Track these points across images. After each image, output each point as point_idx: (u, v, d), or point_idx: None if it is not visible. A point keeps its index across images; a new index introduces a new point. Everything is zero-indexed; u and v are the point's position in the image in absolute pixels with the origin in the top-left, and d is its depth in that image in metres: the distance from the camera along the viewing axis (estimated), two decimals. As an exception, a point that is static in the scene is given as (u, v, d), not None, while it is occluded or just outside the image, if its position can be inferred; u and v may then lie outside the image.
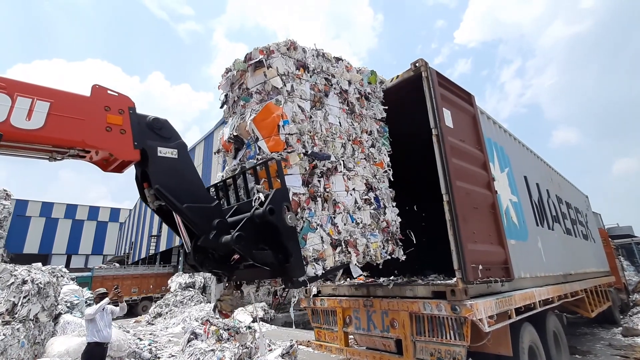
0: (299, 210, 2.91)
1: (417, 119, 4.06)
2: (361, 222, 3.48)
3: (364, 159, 3.74)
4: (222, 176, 3.32)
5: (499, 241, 4.14)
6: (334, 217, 3.21)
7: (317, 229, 3.01)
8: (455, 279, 3.47)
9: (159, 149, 2.49)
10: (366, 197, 3.62)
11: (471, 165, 4.17)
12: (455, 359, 3.31)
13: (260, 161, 2.90)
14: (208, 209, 2.58)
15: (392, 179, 4.07)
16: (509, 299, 3.81)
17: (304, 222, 2.93)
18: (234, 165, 3.27)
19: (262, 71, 3.15)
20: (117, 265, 24.06)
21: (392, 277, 4.65)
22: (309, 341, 5.46)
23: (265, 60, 3.11)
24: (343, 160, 3.45)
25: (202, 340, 7.28)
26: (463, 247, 3.48)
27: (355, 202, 3.49)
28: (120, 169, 2.51)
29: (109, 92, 2.36)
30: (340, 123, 3.54)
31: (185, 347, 7.10)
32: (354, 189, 3.51)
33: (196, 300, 15.88)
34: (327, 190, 3.21)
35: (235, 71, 3.32)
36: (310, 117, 3.24)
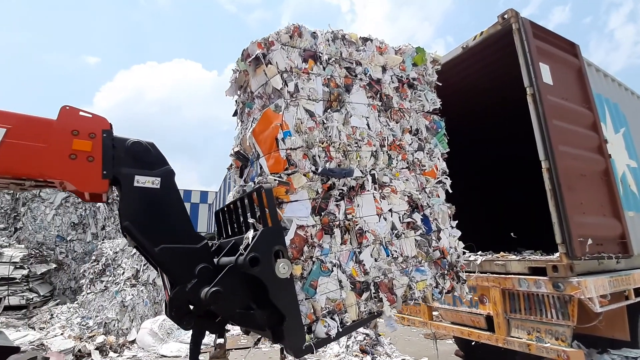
0: (305, 248, 2.23)
1: (507, 82, 3.94)
2: (401, 255, 2.62)
3: (407, 168, 2.85)
4: (232, 199, 2.82)
5: (613, 213, 3.83)
6: (360, 253, 2.44)
7: (332, 270, 2.29)
8: (557, 254, 3.30)
9: (137, 177, 2.06)
10: (409, 219, 2.74)
11: (577, 126, 3.83)
12: (559, 339, 3.20)
13: (255, 186, 2.30)
14: (191, 252, 2.08)
15: (450, 190, 3.08)
16: (626, 277, 3.56)
17: (313, 263, 2.24)
18: (240, 186, 2.73)
19: (262, 69, 2.51)
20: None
21: (479, 253, 4.35)
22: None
23: (264, 56, 2.45)
24: (374, 174, 2.63)
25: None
26: (568, 218, 3.29)
27: (393, 228, 2.64)
28: (99, 198, 2.19)
29: (80, 113, 2.01)
30: (368, 125, 2.70)
31: None
32: (390, 211, 2.66)
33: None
34: (350, 216, 2.45)
35: (239, 72, 2.74)
36: (324, 122, 2.49)
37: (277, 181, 2.21)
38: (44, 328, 8.26)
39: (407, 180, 2.80)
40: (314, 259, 2.24)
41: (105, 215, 16.97)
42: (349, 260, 2.38)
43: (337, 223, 2.39)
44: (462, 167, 7.30)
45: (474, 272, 3.99)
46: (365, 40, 2.84)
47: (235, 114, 3.02)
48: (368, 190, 2.57)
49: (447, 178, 3.08)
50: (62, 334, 7.67)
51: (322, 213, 2.35)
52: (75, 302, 9.94)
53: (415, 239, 2.74)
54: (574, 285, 3.06)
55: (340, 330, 2.19)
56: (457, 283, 2.88)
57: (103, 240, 14.66)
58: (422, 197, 2.87)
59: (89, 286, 9.89)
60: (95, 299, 9.35)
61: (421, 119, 3.03)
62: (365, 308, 2.36)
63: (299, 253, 2.19)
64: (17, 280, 11.63)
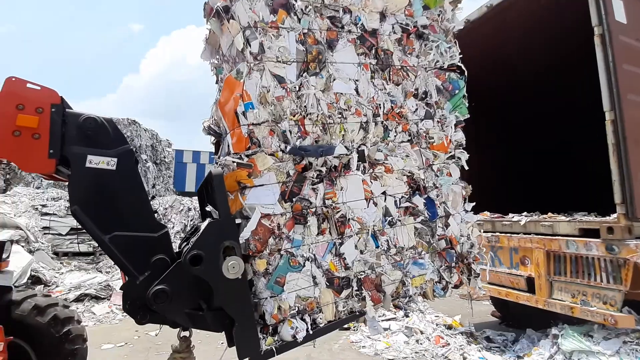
0: (270, 240, 1.93)
1: (568, 23, 3.73)
2: (395, 247, 2.23)
3: (408, 141, 2.35)
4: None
5: (683, 172, 3.46)
6: (340, 244, 2.09)
7: (304, 265, 1.99)
8: (614, 216, 3.15)
9: (89, 157, 1.86)
10: (408, 204, 2.30)
11: (651, 72, 3.39)
12: (607, 303, 3.12)
13: (219, 165, 2.00)
14: (147, 241, 1.89)
15: (465, 166, 2.54)
16: (690, 243, 3.28)
17: (281, 257, 1.95)
18: (214, 166, 2.45)
19: (227, 27, 2.08)
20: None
21: (524, 213, 4.20)
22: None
23: (227, 10, 2.02)
24: (363, 151, 2.18)
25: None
26: (631, 176, 3.11)
27: (386, 214, 2.23)
28: (55, 178, 2.08)
29: (28, 85, 1.82)
30: (357, 90, 2.20)
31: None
32: (384, 194, 2.24)
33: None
34: (330, 202, 2.08)
35: (211, 31, 2.34)
36: (298, 89, 2.05)
37: (235, 163, 1.89)
38: (109, 272, 9.14)
39: (407, 156, 2.32)
40: (282, 252, 1.95)
41: (155, 175, 18.21)
42: (326, 253, 2.06)
43: (313, 210, 2.04)
44: (507, 122, 6.54)
45: (518, 233, 3.88)
46: (358, -21, 2.24)
47: (217, 82, 2.66)
48: (354, 171, 2.15)
49: (462, 152, 2.53)
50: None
51: (294, 199, 2.00)
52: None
53: (415, 227, 2.31)
54: (631, 248, 2.93)
55: (311, 332, 1.94)
56: (468, 277, 2.46)
57: (153, 197, 15.74)
58: (428, 176, 2.39)
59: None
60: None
61: (432, 78, 2.44)
62: (344, 307, 2.06)
63: (263, 246, 1.90)
64: (84, 231, 13.19)
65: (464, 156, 2.53)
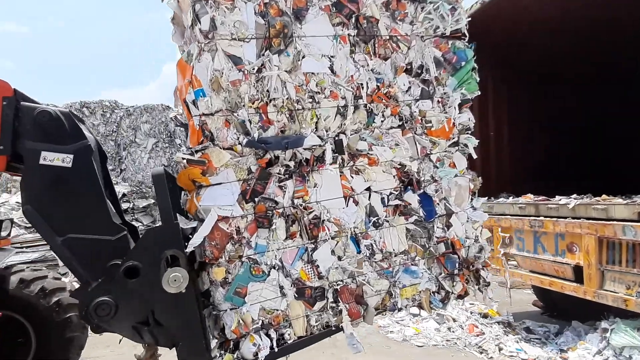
0: (228, 247, 1.70)
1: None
2: (381, 251, 1.92)
3: (399, 126, 1.98)
4: None
5: None
6: (313, 250, 1.82)
7: (268, 274, 1.75)
8: None
9: (43, 154, 1.73)
10: (398, 201, 1.95)
11: None
12: None
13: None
14: (103, 244, 1.75)
15: (474, 154, 2.13)
16: None
17: (242, 264, 1.72)
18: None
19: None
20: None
21: (574, 195, 3.80)
22: None
23: None
24: (340, 140, 1.86)
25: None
26: None
27: (371, 214, 1.91)
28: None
29: None
30: (332, 68, 1.85)
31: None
32: (368, 190, 1.91)
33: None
34: (300, 201, 1.80)
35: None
36: (259, 70, 1.75)
37: (184, 160, 1.66)
38: None
39: (397, 145, 1.95)
40: (243, 260, 1.72)
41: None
42: (296, 259, 1.80)
43: (280, 211, 1.77)
44: (559, 96, 5.75)
45: (566, 218, 3.55)
46: None
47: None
48: (328, 165, 1.84)
49: (469, 137, 2.11)
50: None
51: (257, 199, 1.75)
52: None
53: (407, 228, 1.97)
54: None
55: (276, 350, 1.71)
56: (476, 286, 2.09)
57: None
58: (424, 167, 2.01)
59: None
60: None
61: (430, 49, 2.02)
62: (318, 321, 1.81)
63: (220, 252, 1.68)
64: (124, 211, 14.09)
65: (472, 142, 2.11)
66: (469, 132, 2.12)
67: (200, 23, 1.67)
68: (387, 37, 1.93)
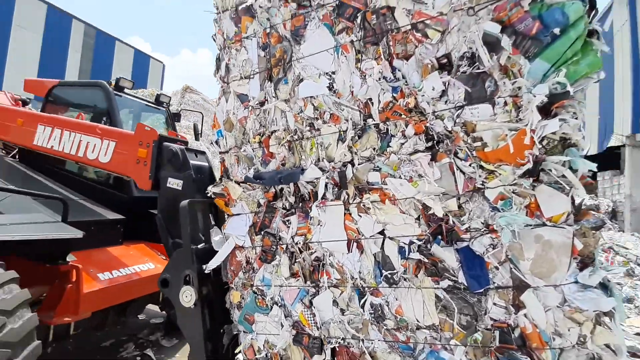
0: (240, 274, 1.81)
1: None
2: (396, 317, 1.44)
3: (428, 148, 1.38)
4: None
5: None
6: (314, 294, 1.62)
7: (270, 308, 1.73)
8: None
9: (169, 179, 2.50)
10: (419, 256, 1.39)
11: None
12: None
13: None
14: (184, 252, 2.30)
15: (582, 193, 1.18)
16: None
17: (252, 291, 1.80)
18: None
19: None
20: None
21: None
22: None
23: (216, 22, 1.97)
24: (346, 171, 1.53)
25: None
26: None
27: (384, 265, 1.47)
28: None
29: (145, 128, 2.69)
30: (332, 86, 1.53)
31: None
32: (382, 234, 1.48)
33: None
34: (300, 239, 1.65)
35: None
36: (262, 103, 1.72)
37: (211, 192, 1.91)
38: None
39: (420, 176, 1.38)
40: (254, 289, 1.80)
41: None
42: (296, 300, 1.68)
43: (284, 247, 1.71)
44: None
45: None
46: None
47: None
48: (331, 200, 1.57)
49: (574, 156, 1.18)
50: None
51: (264, 232, 1.76)
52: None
53: (437, 296, 1.38)
54: None
55: (272, 388, 1.69)
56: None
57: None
58: (473, 208, 1.32)
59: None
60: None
61: (485, 24, 1.26)
62: (316, 374, 1.62)
63: (234, 278, 1.84)
64: None
65: (581, 164, 1.17)
66: (567, 146, 1.18)
67: (220, 70, 1.85)
68: (409, 28, 1.39)
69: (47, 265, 2.30)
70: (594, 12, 1.19)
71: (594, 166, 1.18)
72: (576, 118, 1.19)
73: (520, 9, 1.23)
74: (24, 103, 4.12)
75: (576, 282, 1.19)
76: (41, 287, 2.29)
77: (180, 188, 2.17)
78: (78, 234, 2.28)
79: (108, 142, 2.60)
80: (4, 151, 3.64)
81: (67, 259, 2.36)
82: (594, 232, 1.19)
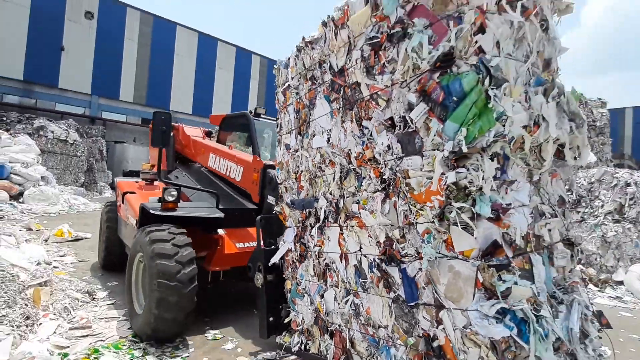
0: (289, 269, 2.59)
1: None
2: (366, 316, 1.90)
3: (382, 189, 1.79)
4: None
5: None
6: (325, 290, 2.23)
7: (303, 296, 2.43)
8: None
9: (268, 197, 3.53)
10: (379, 271, 1.80)
11: None
12: None
13: None
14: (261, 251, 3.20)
15: (474, 231, 1.39)
16: None
17: (295, 282, 2.55)
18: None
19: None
20: None
21: None
22: None
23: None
24: (337, 202, 2.08)
25: None
26: None
27: (361, 275, 1.95)
28: None
29: (257, 158, 3.82)
30: (329, 140, 2.09)
31: None
32: (360, 252, 1.96)
33: None
34: (317, 249, 2.29)
35: None
36: (296, 150, 2.44)
37: (275, 211, 2.77)
38: None
39: (372, 212, 1.80)
40: (296, 280, 2.55)
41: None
42: (316, 293, 2.32)
43: (310, 253, 2.39)
44: None
45: None
46: (325, 24, 2.07)
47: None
48: (335, 223, 2.15)
49: (464, 206, 1.39)
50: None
51: (300, 241, 2.48)
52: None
53: (389, 304, 1.77)
54: None
55: (301, 349, 2.39)
56: None
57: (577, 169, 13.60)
58: (411, 239, 1.67)
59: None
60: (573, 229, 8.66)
61: (411, 95, 1.59)
62: (327, 349, 2.22)
63: (286, 271, 2.64)
64: None
65: (485, 209, 1.38)
66: (465, 195, 1.38)
67: (278, 127, 2.68)
68: (368, 97, 1.83)
69: (208, 234, 3.42)
70: (489, 78, 1.37)
71: (487, 210, 1.36)
72: (477, 169, 1.40)
73: (433, 82, 1.52)
74: (209, 134, 6.02)
75: (477, 310, 1.40)
76: (205, 248, 3.38)
77: (274, 203, 3.09)
78: (221, 215, 3.41)
79: (239, 167, 3.74)
80: (177, 161, 5.37)
81: (219, 231, 3.41)
82: (492, 269, 1.37)
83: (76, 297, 3.54)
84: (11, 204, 9.15)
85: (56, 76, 18.39)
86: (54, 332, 2.76)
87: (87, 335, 2.83)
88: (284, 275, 2.66)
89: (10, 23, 16.94)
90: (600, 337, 1.76)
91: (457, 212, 1.44)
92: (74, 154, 14.43)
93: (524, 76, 1.55)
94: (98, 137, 16.90)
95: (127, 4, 20.96)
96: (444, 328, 1.51)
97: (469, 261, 1.43)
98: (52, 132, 13.86)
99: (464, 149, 1.40)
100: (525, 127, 1.52)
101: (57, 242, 6.11)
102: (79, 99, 19.16)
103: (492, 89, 1.37)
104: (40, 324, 2.85)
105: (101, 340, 2.79)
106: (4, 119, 14.45)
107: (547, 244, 1.65)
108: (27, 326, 2.65)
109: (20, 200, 9.73)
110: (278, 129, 2.71)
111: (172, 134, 5.21)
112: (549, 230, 1.68)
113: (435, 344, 1.55)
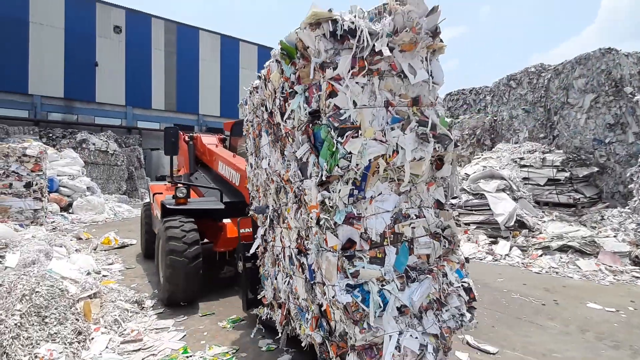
0: (260, 259, 3.39)
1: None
2: (293, 292, 2.64)
3: (295, 202, 2.48)
4: None
5: None
6: (276, 274, 3.00)
7: (267, 278, 3.22)
8: None
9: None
10: (297, 260, 2.52)
11: None
12: None
13: None
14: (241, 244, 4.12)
15: (336, 237, 2.05)
16: None
17: (264, 269, 3.34)
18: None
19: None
20: None
21: None
22: None
23: None
24: (278, 209, 2.81)
25: None
26: None
27: (292, 262, 2.68)
28: None
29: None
30: (269, 163, 2.80)
31: None
32: (290, 247, 2.69)
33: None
34: (272, 243, 3.05)
35: None
36: (255, 168, 3.18)
37: (250, 212, 3.56)
38: (595, 227, 7.87)
39: (298, 214, 2.51)
40: (265, 267, 3.34)
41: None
42: (273, 276, 3.09)
43: (268, 247, 3.16)
44: None
45: None
46: (259, 77, 2.76)
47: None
48: (277, 225, 2.89)
49: (328, 216, 2.05)
50: (615, 236, 6.91)
51: (263, 238, 3.26)
52: (627, 207, 8.11)
53: (303, 283, 2.49)
54: None
55: (267, 318, 3.19)
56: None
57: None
58: (311, 237, 2.36)
59: (639, 191, 8.01)
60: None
61: (301, 136, 2.25)
62: (276, 316, 3.00)
63: (259, 259, 3.44)
64: (562, 181, 12.95)
65: (338, 218, 2.04)
66: (327, 208, 2.04)
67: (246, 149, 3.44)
68: (283, 134, 2.51)
69: (215, 222, 4.51)
70: (333, 129, 1.99)
71: (339, 220, 2.01)
72: (334, 192, 2.05)
73: (310, 129, 2.17)
74: (224, 141, 6.89)
75: (337, 285, 2.08)
76: (213, 234, 4.49)
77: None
78: (221, 206, 4.35)
79: (237, 174, 4.56)
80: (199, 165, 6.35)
81: (223, 220, 4.46)
82: (344, 258, 2.03)
83: (125, 308, 3.66)
84: (62, 215, 10.08)
85: (93, 91, 19.84)
86: (106, 347, 2.79)
87: (138, 350, 2.88)
88: (257, 263, 3.47)
89: (48, 45, 18.55)
90: (472, 307, 2.34)
91: (325, 220, 2.11)
92: (115, 164, 15.52)
93: (380, 118, 2.14)
94: (135, 145, 18.05)
95: (151, 14, 22.03)
96: (325, 298, 2.21)
97: (334, 253, 2.10)
98: (94, 144, 14.96)
99: (324, 178, 2.06)
100: (383, 155, 2.12)
101: (104, 250, 6.55)
102: (115, 111, 20.54)
103: (336, 137, 1.99)
104: (92, 338, 2.83)
105: (153, 355, 2.81)
106: (50, 135, 15.97)
107: (408, 238, 2.25)
108: (79, 342, 2.62)
109: (70, 211, 10.66)
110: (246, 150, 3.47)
111: (191, 143, 6.22)
112: (413, 228, 2.27)
113: (323, 309, 2.25)
